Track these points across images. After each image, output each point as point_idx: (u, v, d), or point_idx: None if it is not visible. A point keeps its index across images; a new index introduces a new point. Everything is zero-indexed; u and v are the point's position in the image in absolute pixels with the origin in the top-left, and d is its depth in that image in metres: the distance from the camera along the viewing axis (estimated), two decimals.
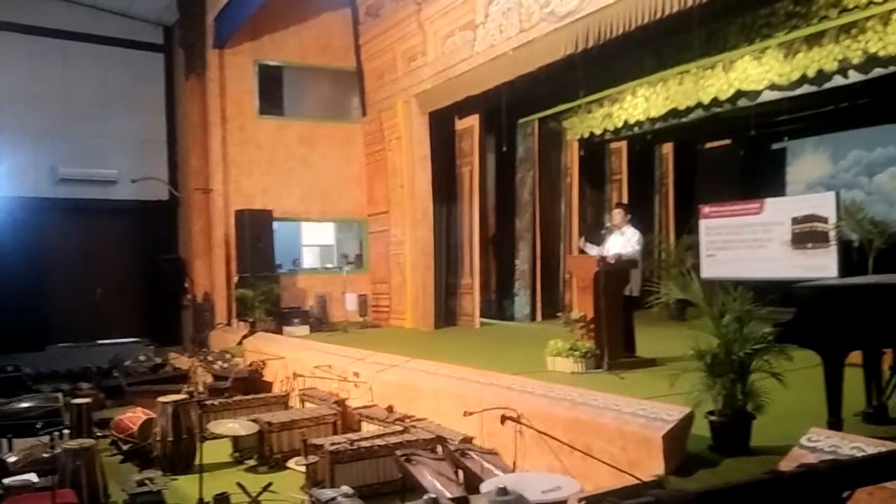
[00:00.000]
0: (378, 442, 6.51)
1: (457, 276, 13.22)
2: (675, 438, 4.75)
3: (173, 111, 15.55)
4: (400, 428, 6.99)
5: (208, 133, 14.28)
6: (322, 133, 15.12)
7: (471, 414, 6.14)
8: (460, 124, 13.12)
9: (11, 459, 6.69)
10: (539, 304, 13.53)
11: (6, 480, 6.01)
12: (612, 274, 7.64)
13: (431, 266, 13.04)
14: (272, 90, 14.94)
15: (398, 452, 6.07)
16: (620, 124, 12.13)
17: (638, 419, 4.98)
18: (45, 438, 7.70)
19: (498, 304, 13.75)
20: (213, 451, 7.38)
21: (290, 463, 7.34)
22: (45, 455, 6.66)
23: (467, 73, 11.37)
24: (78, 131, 14.54)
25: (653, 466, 4.69)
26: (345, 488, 5.59)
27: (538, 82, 10.67)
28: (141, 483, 6.10)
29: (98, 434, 8.05)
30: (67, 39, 14.57)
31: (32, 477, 6.15)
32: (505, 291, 13.76)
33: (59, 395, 8.97)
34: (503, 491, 4.01)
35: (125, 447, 7.83)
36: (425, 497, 4.21)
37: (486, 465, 5.89)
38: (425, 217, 13.05)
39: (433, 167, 13.02)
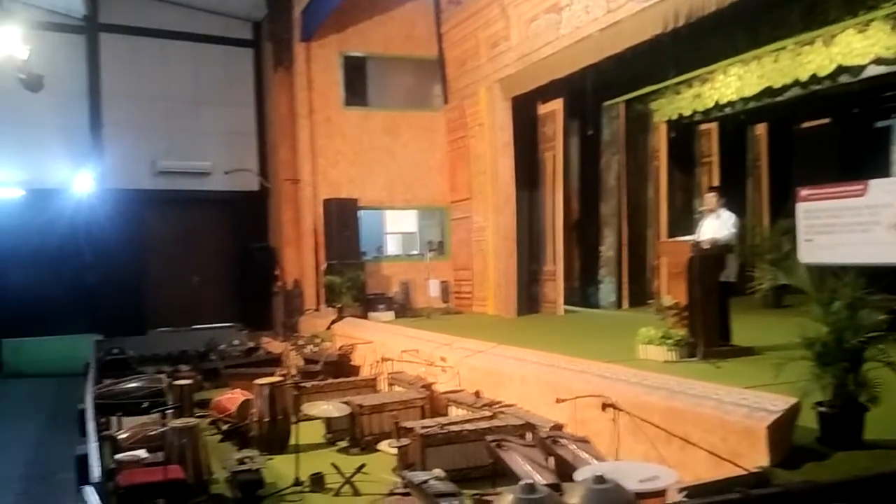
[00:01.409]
0: (468, 427, 6.55)
1: (540, 262, 13.12)
2: (781, 429, 4.60)
3: (262, 104, 16.02)
4: (488, 413, 7.01)
5: (296, 125, 14.63)
6: (405, 122, 15.26)
7: (563, 401, 6.10)
8: (543, 109, 12.98)
9: (122, 436, 7.06)
10: (625, 292, 13.31)
11: (118, 456, 6.35)
12: (708, 259, 7.41)
13: (514, 252, 12.98)
14: (357, 81, 15.17)
15: (488, 438, 6.10)
16: (711, 105, 11.74)
17: (740, 409, 4.84)
18: (152, 417, 8.09)
19: (582, 292, 13.58)
20: (307, 433, 7.56)
21: (381, 445, 7.47)
22: (153, 433, 6.99)
23: (551, 56, 11.23)
24: (175, 126, 15.19)
25: (756, 458, 4.55)
26: (437, 471, 5.66)
27: (624, 64, 10.41)
28: (241, 461, 6.33)
29: (198, 414, 8.41)
30: (165, 38, 15.25)
31: (142, 453, 6.48)
32: (589, 278, 13.58)
33: (163, 376, 9.42)
34: (600, 479, 3.96)
35: (224, 427, 8.14)
36: (522, 483, 4.20)
37: (578, 452, 5.84)
38: (508, 203, 12.99)
39: (516, 153, 12.93)
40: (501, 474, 6.08)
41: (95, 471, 5.09)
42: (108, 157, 14.63)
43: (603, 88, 12.14)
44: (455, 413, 7.66)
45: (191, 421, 6.62)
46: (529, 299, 13.08)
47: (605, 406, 5.47)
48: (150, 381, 9.27)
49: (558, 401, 6.13)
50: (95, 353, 12.20)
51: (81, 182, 14.47)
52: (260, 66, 16.03)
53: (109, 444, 6.81)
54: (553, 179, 12.79)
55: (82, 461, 5.91)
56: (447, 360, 8.69)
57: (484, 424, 6.58)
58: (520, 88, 12.39)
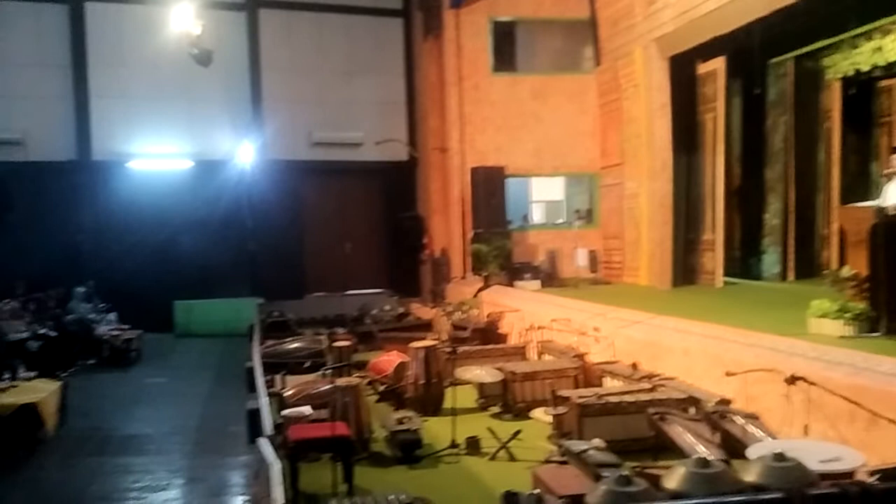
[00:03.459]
0: (627, 398, 6.37)
1: (697, 231, 12.50)
2: None
3: (412, 73, 16.23)
4: (648, 386, 6.78)
5: (445, 93, 14.70)
6: (554, 87, 14.93)
7: (733, 375, 5.78)
8: (703, 68, 12.26)
9: (287, 393, 7.42)
10: (791, 262, 12.44)
11: (284, 412, 6.67)
12: (894, 226, 6.75)
13: (670, 220, 12.45)
14: (505, 46, 15.00)
15: (651, 410, 5.89)
16: (894, 59, 10.63)
17: None
18: (312, 375, 8.47)
19: (742, 262, 12.85)
20: (459, 397, 7.63)
21: (535, 413, 7.43)
22: (316, 390, 7.30)
23: (714, 11, 10.54)
24: (328, 97, 15.72)
25: None
26: (596, 441, 5.53)
27: (794, 17, 9.61)
28: (400, 421, 6.48)
29: (355, 375, 8.70)
30: (319, 12, 15.74)
31: (306, 409, 6.78)
32: (751, 248, 12.81)
33: (323, 337, 9.82)
34: (780, 457, 3.71)
35: (381, 388, 8.39)
36: (695, 456, 4.01)
37: (748, 429, 5.53)
38: (664, 168, 12.44)
39: (673, 115, 12.32)
40: (663, 448, 5.88)
41: (267, 425, 5.36)
42: (267, 129, 15.36)
43: (769, 44, 11.25)
44: (610, 384, 7.48)
45: (354, 380, 6.84)
46: (685, 270, 12.52)
47: (791, 380, 5.09)
48: (311, 342, 9.72)
49: (728, 374, 5.81)
50: (258, 315, 12.95)
51: (244, 153, 15.30)
52: (409, 35, 16.22)
53: (276, 401, 7.18)
54: (713, 143, 12.10)
55: (253, 415, 6.26)
56: (601, 330, 8.49)
57: (644, 397, 6.37)
58: (678, 47, 11.77)
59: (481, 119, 14.68)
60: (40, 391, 7.58)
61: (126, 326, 12.91)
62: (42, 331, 10.97)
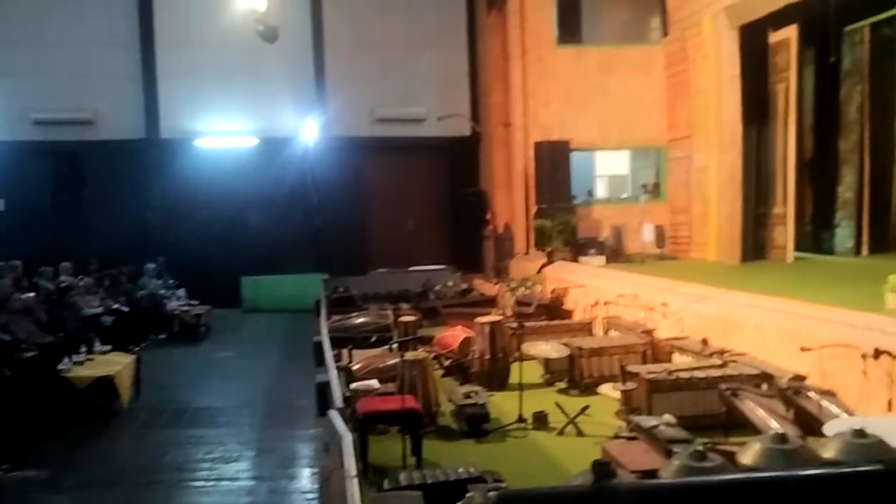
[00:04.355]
0: (697, 374, 6.23)
1: (767, 204, 12.11)
2: None
3: (475, 47, 16.10)
4: (718, 361, 6.62)
5: (509, 66, 14.53)
6: (620, 58, 14.59)
7: (808, 350, 5.59)
8: (775, 37, 11.78)
9: (355, 367, 7.51)
10: (865, 236, 11.93)
11: (352, 385, 6.76)
12: None
13: (739, 194, 12.09)
14: (570, 18, 14.66)
15: (722, 386, 5.76)
16: None
17: None
18: (379, 350, 8.56)
19: (814, 236, 12.40)
20: (525, 372, 7.59)
21: (603, 388, 7.35)
22: (383, 364, 7.38)
23: None
24: (391, 73, 15.74)
25: None
26: (667, 417, 5.45)
27: None
28: (467, 395, 6.49)
29: (420, 349, 8.74)
30: None
31: (374, 383, 6.85)
32: (823, 222, 12.33)
33: (389, 312, 9.90)
34: (860, 433, 3.57)
35: (446, 362, 8.41)
36: (772, 432, 3.90)
37: (824, 405, 5.35)
38: (733, 141, 12.06)
39: (743, 86, 11.91)
40: (735, 424, 5.74)
41: (338, 397, 5.44)
42: (330, 105, 15.48)
43: (844, 11, 10.75)
44: (679, 360, 7.33)
45: (421, 354, 6.87)
46: (755, 244, 12.17)
47: (876, 354, 4.90)
48: (377, 317, 9.80)
49: (803, 349, 5.63)
50: (323, 291, 13.13)
51: (307, 130, 15.46)
52: (472, 8, 16.08)
53: (344, 375, 7.27)
54: (785, 114, 11.66)
55: (322, 389, 6.36)
56: (669, 305, 8.31)
57: (715, 372, 6.22)
58: (749, 15, 11.34)
59: (545, 93, 14.46)
60: (115, 364, 7.85)
61: (195, 302, 13.27)
62: (115, 306, 11.36)
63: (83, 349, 8.09)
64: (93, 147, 14.93)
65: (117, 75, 15.08)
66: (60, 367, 7.32)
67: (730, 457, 4.10)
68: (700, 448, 4.07)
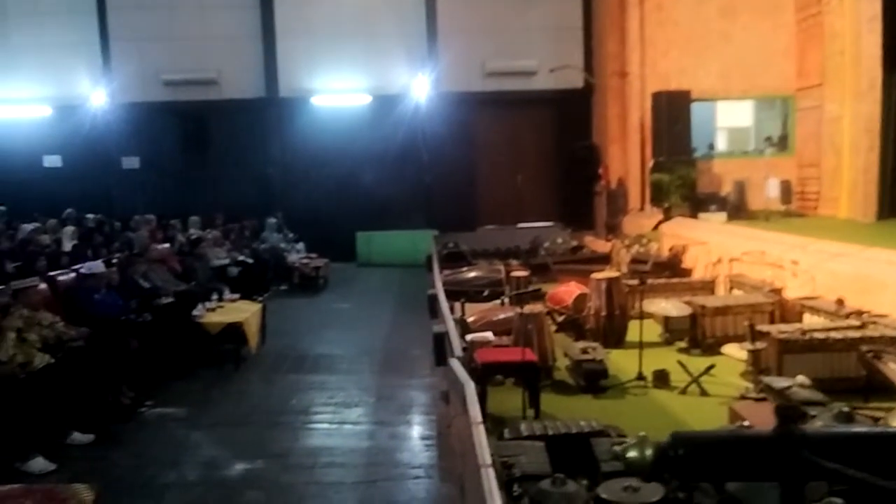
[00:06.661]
0: (834, 335, 5.90)
1: None
2: None
3: None
4: (856, 322, 6.24)
5: (625, 14, 13.99)
6: (744, 3, 13.77)
7: None
8: None
9: (470, 319, 7.56)
10: None
11: (468, 336, 6.80)
12: None
13: (876, 146, 11.30)
14: None
15: (864, 348, 5.43)
16: None
17: None
18: (490, 304, 8.57)
19: None
20: (642, 331, 7.44)
21: (727, 348, 7.10)
22: (497, 317, 7.39)
23: None
24: (503, 26, 15.46)
25: None
26: (801, 378, 5.20)
27: None
28: (584, 351, 6.41)
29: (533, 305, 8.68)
30: None
31: (489, 335, 6.88)
32: None
33: (501, 267, 9.88)
34: None
35: (559, 318, 8.33)
36: None
37: None
38: (871, 88, 11.22)
39: (884, 28, 11.02)
40: (876, 388, 5.43)
41: (457, 347, 5.47)
42: (441, 61, 15.42)
43: None
44: (811, 320, 6.96)
45: (538, 308, 6.83)
46: (892, 201, 11.37)
47: None
48: (490, 271, 9.80)
49: None
50: (434, 246, 13.23)
51: (419, 87, 15.48)
52: None
53: (459, 326, 7.31)
54: None
55: (439, 339, 6.41)
56: (799, 263, 7.88)
57: (853, 334, 5.88)
58: None
59: (664, 41, 13.85)
60: (244, 312, 8.18)
61: (314, 255, 13.69)
62: (241, 258, 11.85)
63: (214, 297, 8.49)
64: (217, 106, 15.53)
65: (239, 36, 15.55)
66: (194, 313, 7.72)
67: (873, 422, 3.88)
68: (846, 409, 3.87)
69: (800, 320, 7.10)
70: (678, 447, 3.12)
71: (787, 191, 13.18)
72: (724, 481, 3.19)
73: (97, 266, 7.53)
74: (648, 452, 3.23)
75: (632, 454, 3.31)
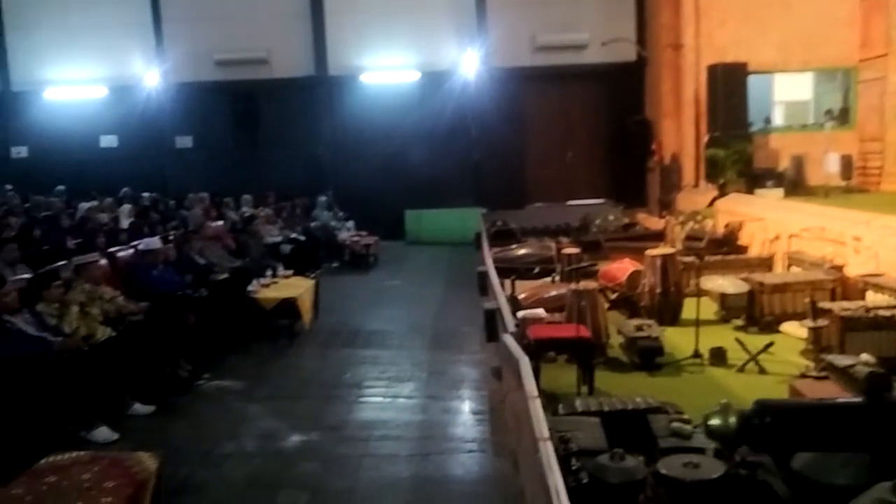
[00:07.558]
0: None
1: None
2: None
3: None
4: None
5: None
6: None
7: None
8: None
9: (521, 296, 7.51)
10: None
11: (520, 313, 6.76)
12: None
13: None
14: None
15: None
16: None
17: None
18: (540, 281, 8.50)
19: None
20: (699, 308, 7.30)
21: (786, 326, 6.93)
22: (549, 294, 7.33)
23: None
24: None
25: None
26: (865, 356, 5.04)
27: None
28: (639, 328, 6.33)
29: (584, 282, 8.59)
30: None
31: (540, 311, 6.83)
32: None
33: (552, 244, 9.79)
34: None
35: (612, 296, 8.22)
36: None
37: None
38: None
39: None
40: None
41: (509, 322, 5.44)
42: (490, 36, 15.23)
43: None
44: (874, 298, 6.74)
45: (591, 285, 6.75)
46: None
47: None
48: (540, 249, 9.72)
49: None
50: (483, 224, 13.18)
51: (468, 63, 15.35)
52: None
53: (510, 303, 7.28)
54: None
55: (491, 315, 6.39)
56: (862, 239, 7.63)
57: None
58: None
59: (720, 11, 13.41)
60: (298, 288, 8.28)
61: (364, 233, 13.78)
62: (293, 235, 12.00)
63: (269, 273, 8.61)
64: (267, 85, 15.66)
65: (288, 14, 15.61)
66: (249, 288, 7.85)
67: None
68: None
69: (862, 298, 6.89)
70: (764, 415, 3.02)
71: (847, 166, 12.74)
72: (811, 450, 3.08)
73: (154, 242, 7.71)
74: (732, 420, 3.16)
75: (714, 421, 3.24)
